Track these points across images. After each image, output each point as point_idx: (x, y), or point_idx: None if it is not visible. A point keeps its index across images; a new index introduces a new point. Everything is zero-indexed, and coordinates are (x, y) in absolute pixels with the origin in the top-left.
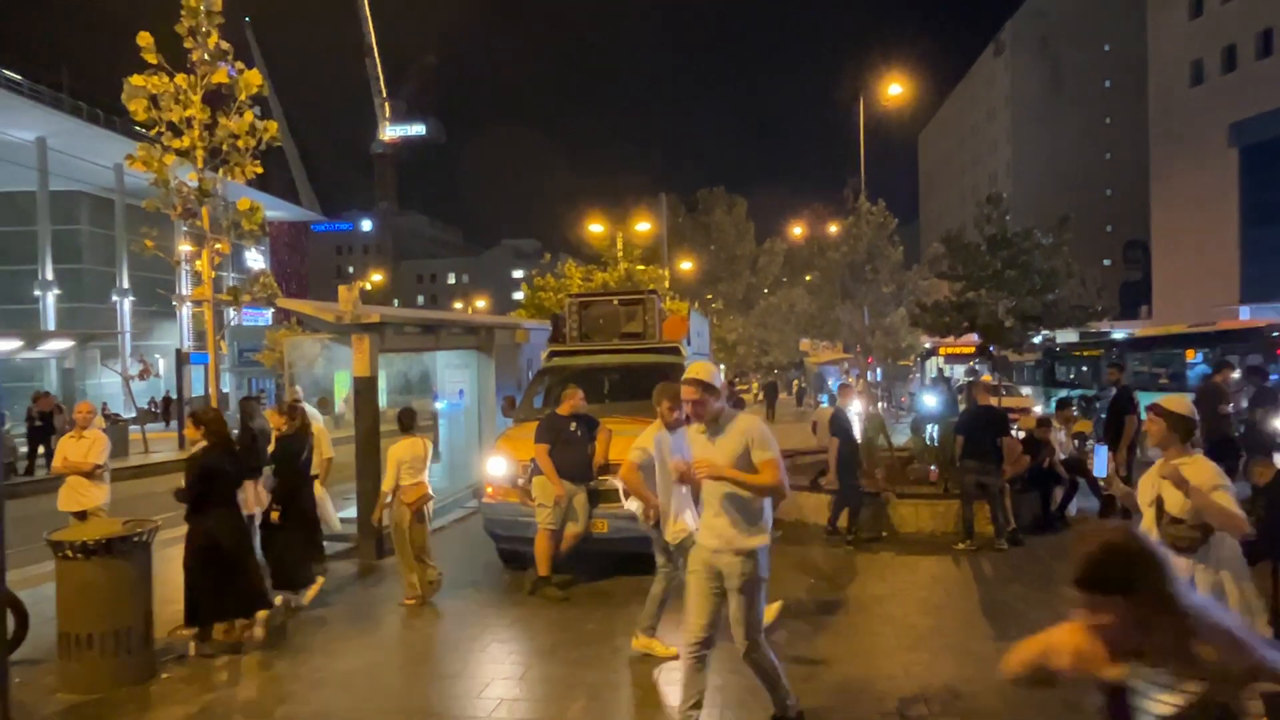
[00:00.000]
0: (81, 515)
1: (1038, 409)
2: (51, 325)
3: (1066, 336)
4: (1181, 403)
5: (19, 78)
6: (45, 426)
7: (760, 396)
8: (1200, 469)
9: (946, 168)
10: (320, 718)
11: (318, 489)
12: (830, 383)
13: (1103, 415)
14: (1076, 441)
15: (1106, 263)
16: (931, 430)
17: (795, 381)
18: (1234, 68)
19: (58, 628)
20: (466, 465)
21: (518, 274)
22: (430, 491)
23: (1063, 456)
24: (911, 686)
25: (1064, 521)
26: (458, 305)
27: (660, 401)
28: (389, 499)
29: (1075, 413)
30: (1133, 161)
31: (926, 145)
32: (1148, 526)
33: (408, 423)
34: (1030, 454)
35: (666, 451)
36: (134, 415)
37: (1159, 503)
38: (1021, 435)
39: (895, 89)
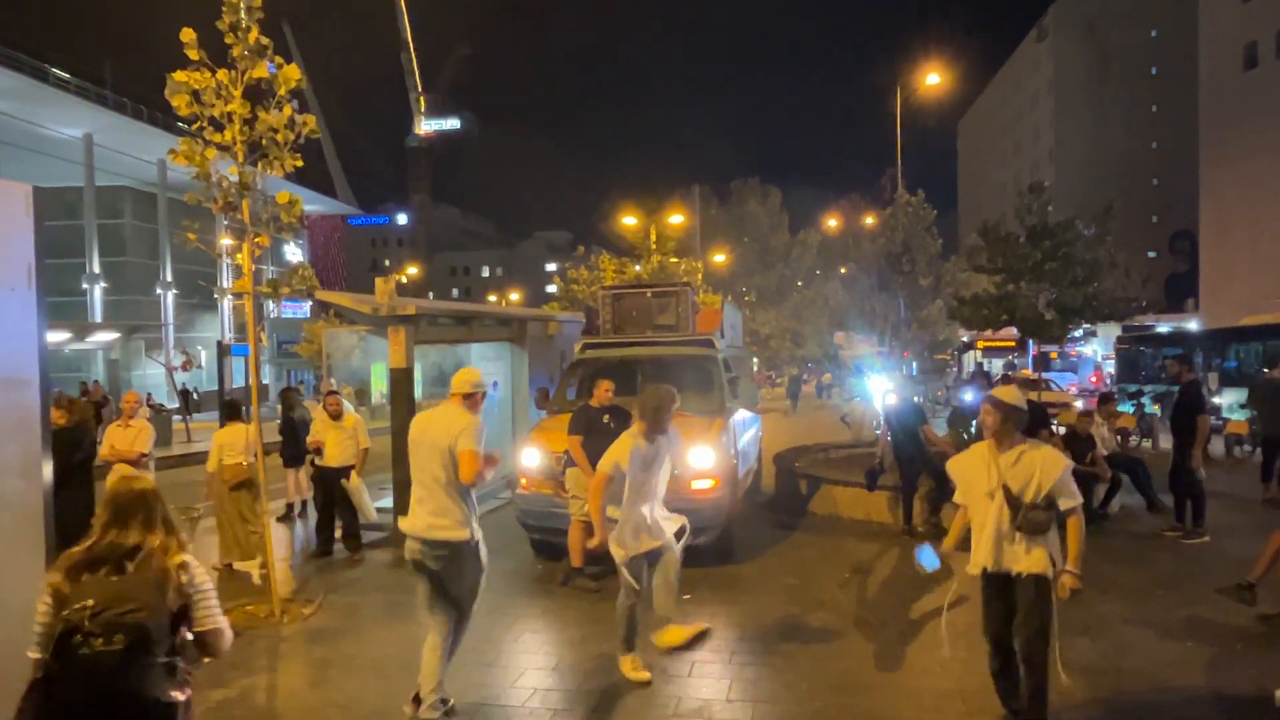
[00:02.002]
0: None
1: (1079, 404)
2: (98, 317)
3: (1108, 330)
4: (1013, 393)
5: (67, 76)
6: (96, 416)
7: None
8: (1051, 455)
9: (986, 156)
10: (354, 703)
11: (354, 479)
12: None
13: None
14: (1119, 437)
15: (1152, 254)
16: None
17: (827, 374)
18: None
19: None
20: (500, 456)
21: (551, 267)
22: (246, 469)
23: (1105, 452)
24: (948, 683)
25: (1107, 519)
26: (491, 298)
27: (667, 409)
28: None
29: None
30: (1180, 150)
31: (966, 134)
32: (983, 511)
33: (233, 412)
34: (1071, 450)
35: (639, 463)
36: (177, 405)
37: (1005, 490)
38: (1062, 430)
39: (934, 78)
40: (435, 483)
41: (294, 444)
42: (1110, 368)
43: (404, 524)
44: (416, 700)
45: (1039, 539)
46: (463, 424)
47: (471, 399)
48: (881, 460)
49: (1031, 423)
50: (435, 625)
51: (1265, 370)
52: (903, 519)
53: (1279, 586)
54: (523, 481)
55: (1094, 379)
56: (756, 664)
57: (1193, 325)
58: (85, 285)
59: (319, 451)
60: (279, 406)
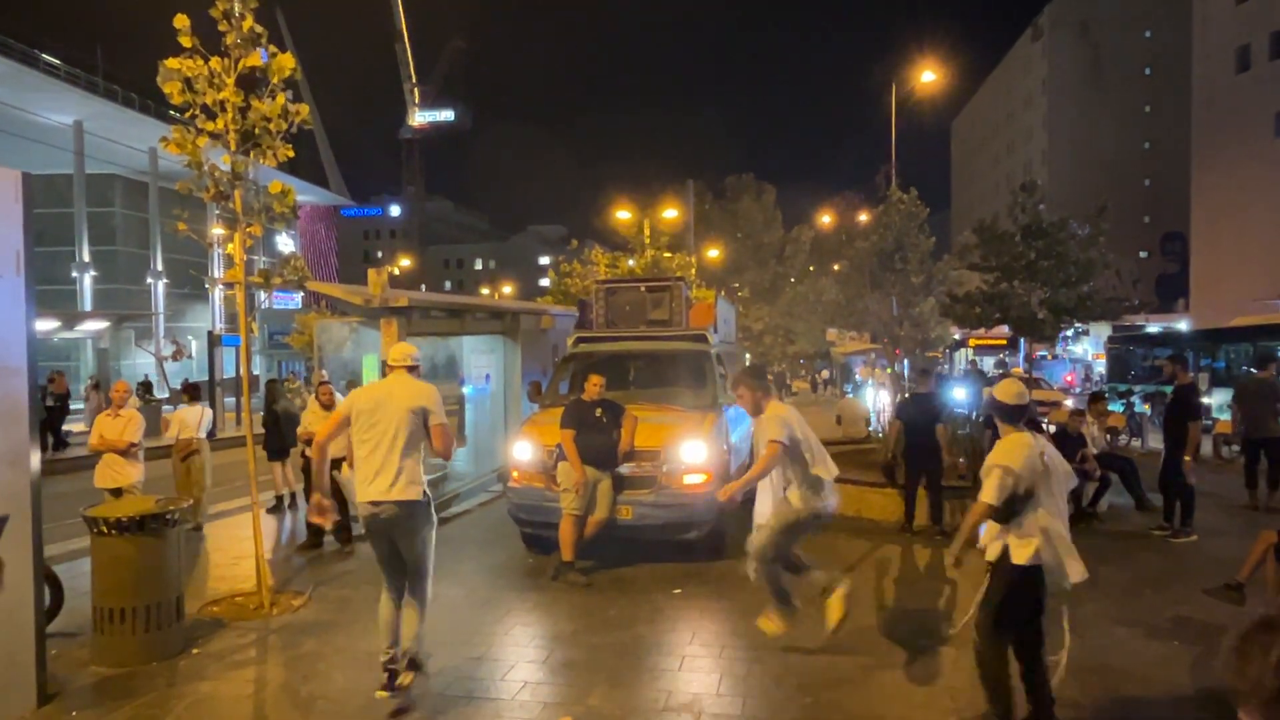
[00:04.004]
0: (117, 492)
1: (1069, 402)
2: (88, 306)
3: (1099, 329)
4: (1004, 389)
5: (57, 62)
6: (61, 407)
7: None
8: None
9: (980, 156)
10: (345, 695)
11: (344, 470)
12: (855, 374)
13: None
14: (1109, 436)
15: (1143, 255)
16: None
17: (823, 371)
18: None
19: (92, 602)
20: (492, 450)
21: (544, 260)
22: (195, 445)
23: (1095, 451)
24: (937, 680)
25: (1096, 517)
26: (484, 291)
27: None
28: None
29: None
30: (1172, 151)
31: (959, 133)
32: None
33: (191, 395)
34: (1061, 448)
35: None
36: (167, 395)
37: None
38: (1052, 429)
39: (928, 75)
40: (394, 445)
41: (278, 437)
42: (1100, 367)
43: (362, 492)
44: (389, 672)
45: (999, 528)
46: (430, 391)
47: (415, 370)
48: (894, 453)
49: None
50: (394, 588)
51: (1252, 371)
52: (904, 517)
53: (1266, 586)
54: (514, 475)
55: (1069, 379)
56: (747, 659)
57: (1183, 325)
58: (75, 274)
59: (310, 442)
60: (264, 399)
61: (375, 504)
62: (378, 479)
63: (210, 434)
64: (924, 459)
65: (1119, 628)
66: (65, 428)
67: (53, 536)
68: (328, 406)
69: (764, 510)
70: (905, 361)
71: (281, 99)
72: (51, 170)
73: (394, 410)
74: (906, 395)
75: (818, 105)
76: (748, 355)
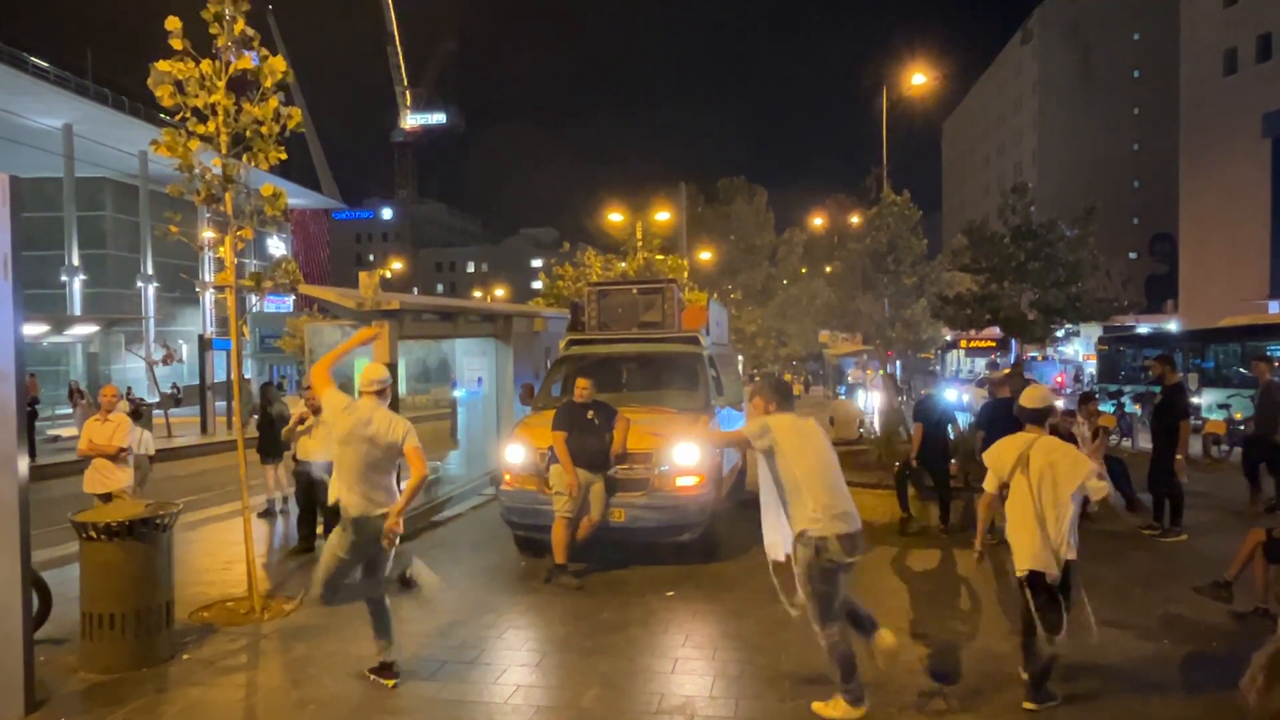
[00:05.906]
0: (106, 497)
1: (1059, 403)
2: (78, 310)
3: (1090, 330)
4: (1029, 396)
5: (46, 65)
6: (30, 412)
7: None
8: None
9: (970, 158)
10: (336, 701)
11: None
12: (847, 375)
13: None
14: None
15: (1133, 256)
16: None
17: (815, 373)
18: (1269, 56)
19: (80, 608)
20: (484, 453)
21: (536, 263)
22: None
23: (1086, 451)
24: (931, 680)
25: (1087, 517)
26: (477, 294)
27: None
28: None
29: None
30: (1161, 153)
31: (950, 135)
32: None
33: (135, 414)
34: None
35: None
36: (157, 400)
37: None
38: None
39: (919, 78)
40: (374, 470)
41: (272, 439)
42: (1090, 368)
43: (336, 495)
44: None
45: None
46: (404, 425)
47: (383, 394)
48: (914, 457)
49: (1010, 423)
50: (335, 582)
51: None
52: (904, 511)
53: (1254, 584)
54: (507, 478)
55: (1059, 380)
56: (740, 660)
57: (1172, 326)
58: (64, 278)
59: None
60: (258, 401)
61: (358, 518)
62: (358, 498)
63: (151, 458)
64: (935, 458)
65: (1109, 627)
66: (53, 433)
67: (40, 542)
68: (317, 410)
69: (769, 535)
70: (898, 363)
71: (273, 102)
72: (41, 174)
73: (371, 440)
74: (923, 394)
75: (809, 108)
76: (741, 357)
